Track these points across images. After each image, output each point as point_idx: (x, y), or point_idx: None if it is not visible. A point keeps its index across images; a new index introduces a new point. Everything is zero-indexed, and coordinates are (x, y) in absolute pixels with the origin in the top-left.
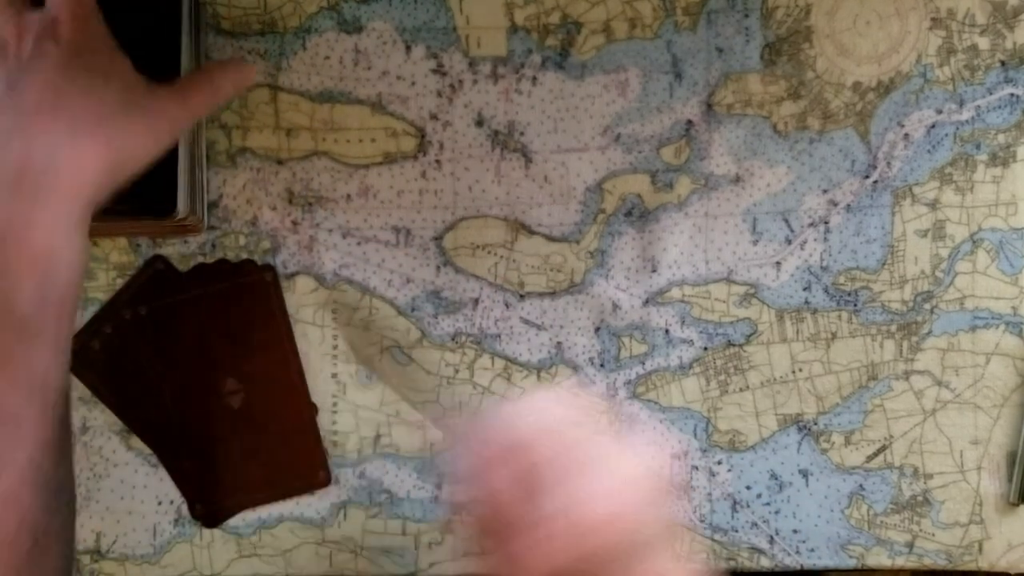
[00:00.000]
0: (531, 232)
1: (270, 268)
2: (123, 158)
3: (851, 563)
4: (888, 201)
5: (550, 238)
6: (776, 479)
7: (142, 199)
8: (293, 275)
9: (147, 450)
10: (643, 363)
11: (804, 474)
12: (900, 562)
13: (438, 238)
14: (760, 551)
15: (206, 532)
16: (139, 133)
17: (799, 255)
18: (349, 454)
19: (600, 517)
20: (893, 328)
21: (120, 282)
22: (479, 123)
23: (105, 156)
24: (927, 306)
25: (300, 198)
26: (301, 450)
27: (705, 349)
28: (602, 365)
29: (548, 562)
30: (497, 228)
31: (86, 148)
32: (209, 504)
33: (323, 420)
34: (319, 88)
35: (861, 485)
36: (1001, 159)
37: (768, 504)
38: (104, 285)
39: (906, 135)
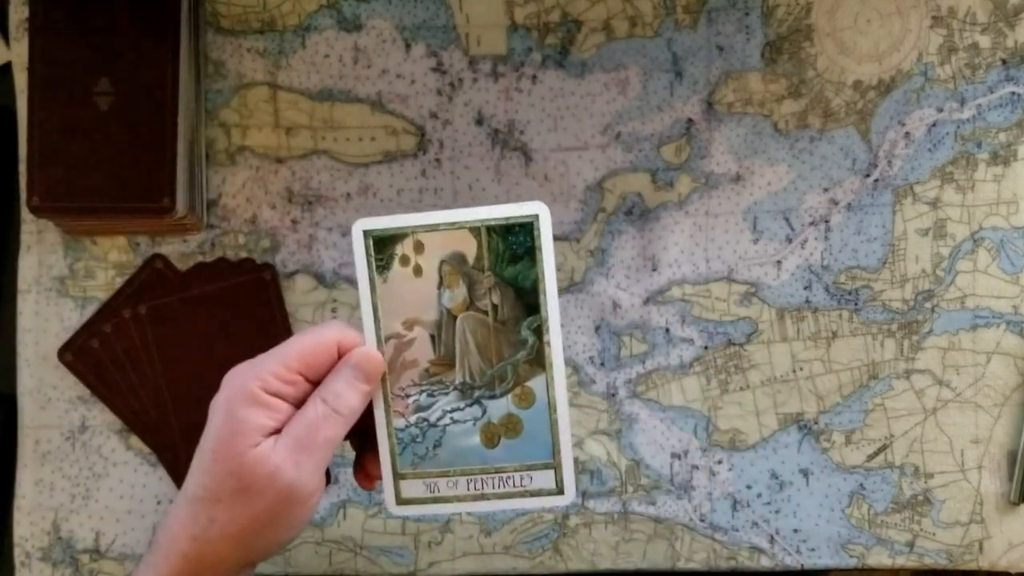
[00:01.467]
0: None
1: (269, 267)
2: None
3: (852, 562)
4: (889, 200)
5: None
6: (776, 478)
7: (141, 197)
8: (292, 274)
9: (146, 449)
10: (643, 362)
11: (805, 473)
12: (901, 561)
13: None
14: (760, 550)
15: None
16: None
17: (800, 254)
18: (349, 454)
19: None
20: (894, 327)
21: (119, 281)
22: (479, 121)
23: None
24: (928, 305)
25: (300, 197)
26: None
27: (705, 348)
28: (602, 364)
29: None
30: None
31: None
32: None
33: None
34: (319, 86)
35: (862, 484)
36: (1002, 158)
37: (768, 503)
38: (103, 284)
39: (907, 134)
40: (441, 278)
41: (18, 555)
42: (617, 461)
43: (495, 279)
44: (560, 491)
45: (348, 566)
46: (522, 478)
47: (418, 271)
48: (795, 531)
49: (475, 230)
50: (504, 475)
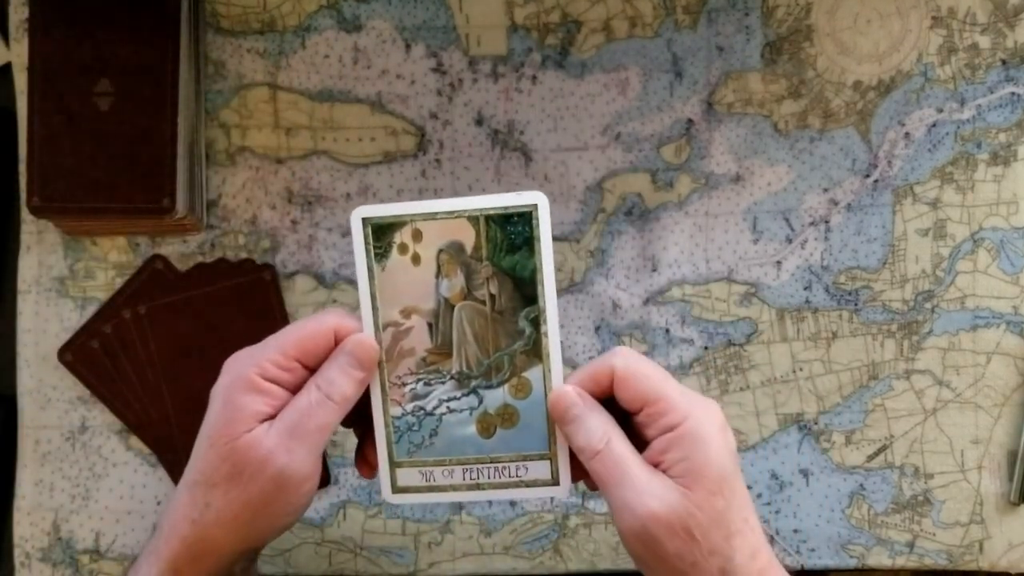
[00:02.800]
0: None
1: (269, 267)
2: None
3: (852, 563)
4: (889, 200)
5: None
6: (776, 479)
7: (141, 197)
8: (292, 274)
9: (146, 450)
10: None
11: (805, 474)
12: (901, 562)
13: None
14: None
15: None
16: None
17: (800, 254)
18: (349, 454)
19: (716, 470)
20: (894, 327)
21: (119, 281)
22: (479, 122)
23: None
24: (928, 305)
25: (299, 197)
26: None
27: (705, 348)
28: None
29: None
30: None
31: None
32: None
33: None
34: (319, 87)
35: (862, 485)
36: (1002, 158)
37: (769, 504)
38: (103, 284)
39: (907, 134)
40: (439, 267)
41: (18, 555)
42: None
43: (493, 269)
44: (555, 482)
45: (348, 566)
46: (518, 468)
47: (416, 260)
48: (795, 531)
49: (473, 219)
50: (500, 465)
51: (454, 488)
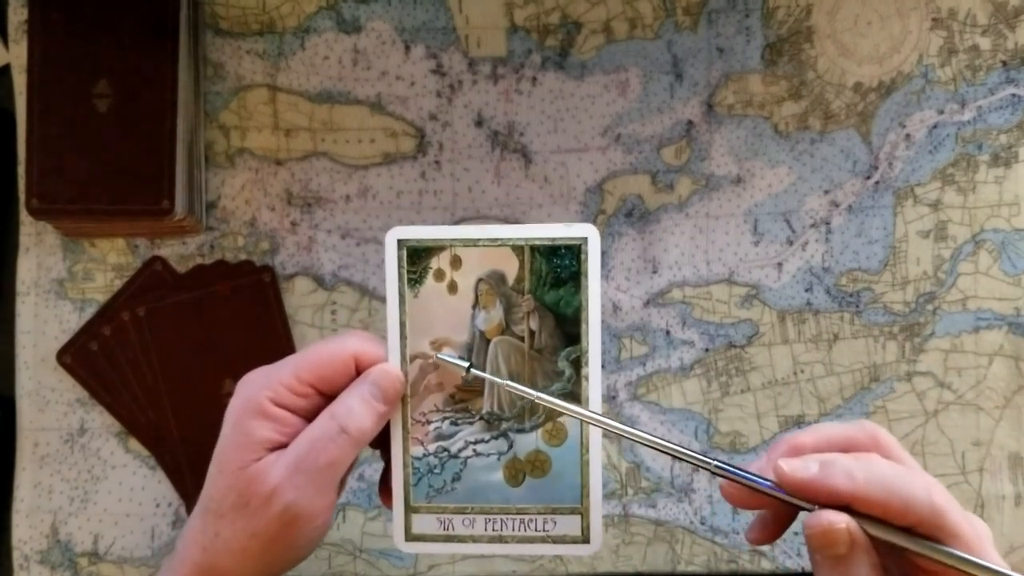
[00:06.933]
0: None
1: (268, 269)
2: None
3: None
4: (890, 202)
5: None
6: None
7: (140, 199)
8: (292, 276)
9: (145, 452)
10: (644, 364)
11: None
12: None
13: None
14: (761, 553)
15: None
16: None
17: (800, 256)
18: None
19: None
20: (895, 329)
21: (118, 283)
22: (479, 123)
23: None
24: (929, 307)
25: (299, 199)
26: None
27: (706, 350)
28: (603, 366)
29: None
30: None
31: None
32: None
33: None
34: (318, 88)
35: None
36: (1003, 159)
37: None
38: (102, 286)
39: (908, 135)
40: (477, 297)
41: (17, 558)
42: (617, 463)
43: (535, 303)
44: (586, 539)
45: (348, 569)
46: (545, 522)
47: (453, 288)
48: (796, 534)
49: (518, 249)
50: (526, 517)
51: (474, 539)
